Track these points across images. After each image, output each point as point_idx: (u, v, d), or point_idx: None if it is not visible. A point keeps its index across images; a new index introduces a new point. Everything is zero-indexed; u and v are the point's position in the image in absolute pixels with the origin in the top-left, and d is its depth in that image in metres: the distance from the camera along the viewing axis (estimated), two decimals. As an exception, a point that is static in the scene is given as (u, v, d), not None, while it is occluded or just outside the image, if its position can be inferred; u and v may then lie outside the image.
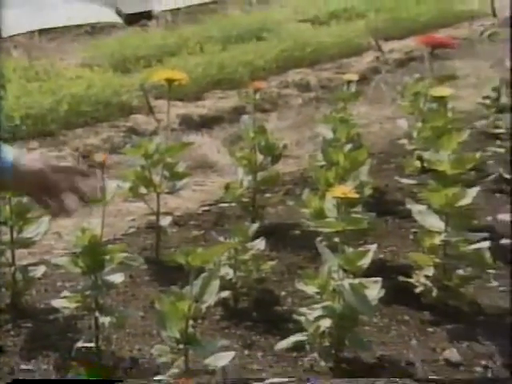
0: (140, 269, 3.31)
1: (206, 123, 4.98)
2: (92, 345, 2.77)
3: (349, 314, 2.75)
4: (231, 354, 2.52)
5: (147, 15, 6.80)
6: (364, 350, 2.82)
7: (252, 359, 2.83)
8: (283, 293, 3.21)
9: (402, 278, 3.17)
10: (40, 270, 3.11)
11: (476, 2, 7.31)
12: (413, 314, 3.09)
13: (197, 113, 5.03)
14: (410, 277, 3.19)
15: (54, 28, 6.32)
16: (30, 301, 3.14)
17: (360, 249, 2.83)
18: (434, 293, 3.14)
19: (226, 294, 3.02)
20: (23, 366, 2.77)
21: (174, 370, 2.44)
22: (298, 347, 2.80)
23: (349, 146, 3.52)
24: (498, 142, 4.17)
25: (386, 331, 3.00)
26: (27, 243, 3.07)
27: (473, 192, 3.14)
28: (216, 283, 2.46)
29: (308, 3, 7.09)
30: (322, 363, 2.78)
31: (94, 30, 6.45)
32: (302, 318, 2.79)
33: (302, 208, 3.40)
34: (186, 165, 3.54)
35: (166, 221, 3.46)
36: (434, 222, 3.12)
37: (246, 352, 2.86)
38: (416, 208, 3.19)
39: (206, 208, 3.92)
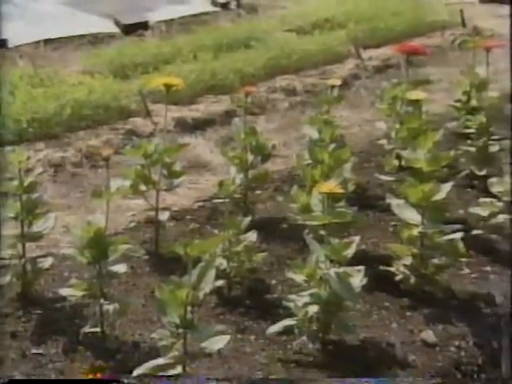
0: (140, 260, 3.30)
1: (199, 126, 4.94)
2: (97, 330, 2.79)
3: (334, 300, 2.77)
4: (226, 337, 2.53)
5: (143, 26, 6.71)
6: (349, 333, 2.84)
7: (245, 343, 2.84)
8: (273, 281, 3.21)
9: (382, 267, 3.18)
10: (48, 262, 3.11)
11: (446, 13, 7.30)
12: (392, 300, 3.10)
13: (191, 116, 5.00)
14: (390, 266, 3.20)
15: (58, 38, 6.24)
16: (39, 290, 3.13)
17: (344, 240, 2.84)
18: (412, 280, 3.15)
19: (220, 282, 3.02)
20: (34, 350, 2.77)
21: (174, 353, 2.45)
22: (288, 331, 2.81)
23: (333, 146, 3.50)
24: (469, 142, 4.16)
25: (368, 316, 3.01)
26: (36, 237, 3.07)
27: (447, 187, 3.15)
28: (212, 272, 2.46)
29: (293, 14, 7.05)
30: (310, 345, 2.79)
31: (95, 39, 6.36)
32: (291, 305, 2.80)
33: (290, 203, 3.40)
34: (181, 164, 3.54)
35: (164, 216, 3.44)
36: (412, 215, 3.13)
37: (240, 336, 2.86)
38: (395, 202, 3.20)
39: (201, 204, 3.89)
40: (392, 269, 3.19)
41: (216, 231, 3.22)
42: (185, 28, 6.65)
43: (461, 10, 7.18)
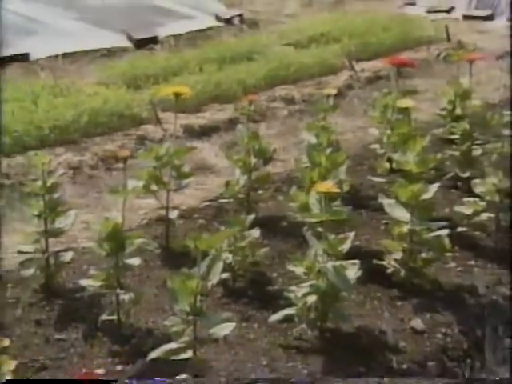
0: (153, 254, 3.32)
1: (205, 132, 4.95)
2: (114, 317, 2.80)
3: (331, 291, 2.77)
4: (232, 325, 2.55)
5: (154, 40, 6.73)
6: (344, 322, 2.84)
7: (249, 330, 2.85)
8: (275, 274, 3.22)
9: (375, 261, 3.18)
10: (68, 256, 3.13)
11: (432, 29, 7.31)
12: (384, 291, 3.11)
13: (198, 123, 5.00)
14: (382, 260, 3.20)
15: (75, 52, 6.25)
16: (60, 281, 3.15)
17: (340, 236, 2.85)
18: (402, 273, 3.16)
19: (225, 275, 3.01)
20: (56, 336, 2.79)
21: (185, 338, 2.47)
22: (289, 319, 2.81)
23: (329, 150, 3.50)
24: (454, 146, 4.17)
25: (362, 306, 3.01)
26: (58, 233, 3.08)
27: (434, 188, 3.16)
28: (219, 265, 2.47)
29: (291, 29, 7.04)
30: (309, 333, 2.80)
31: (109, 53, 6.36)
32: (292, 295, 2.81)
33: (289, 202, 3.40)
34: (189, 167, 3.54)
35: (173, 214, 3.46)
36: (402, 214, 3.14)
37: (244, 324, 2.87)
38: (386, 202, 3.20)
39: (207, 203, 3.89)
40: (384, 263, 3.19)
41: (222, 228, 3.23)
42: (191, 42, 6.64)
43: (446, 26, 7.19)
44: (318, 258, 2.77)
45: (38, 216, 3.04)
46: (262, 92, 5.51)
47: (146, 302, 2.91)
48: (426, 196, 3.11)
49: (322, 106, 3.90)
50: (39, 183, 3.03)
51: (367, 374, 2.61)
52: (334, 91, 3.96)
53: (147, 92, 5.20)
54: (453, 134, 4.28)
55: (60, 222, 3.07)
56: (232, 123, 4.87)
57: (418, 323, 2.90)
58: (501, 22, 7.67)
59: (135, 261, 2.84)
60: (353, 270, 2.80)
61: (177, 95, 3.28)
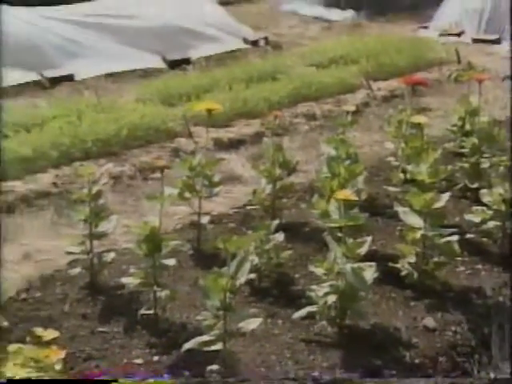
0: (186, 255, 3.36)
1: (233, 144, 4.98)
2: (151, 312, 2.85)
3: (350, 291, 2.80)
4: (259, 320, 2.59)
5: (186, 61, 6.76)
6: (361, 319, 2.86)
7: (274, 326, 2.87)
8: (297, 275, 3.24)
9: (390, 264, 3.19)
10: (110, 256, 3.19)
11: (444, 51, 7.29)
12: (398, 292, 3.12)
13: (226, 136, 5.04)
14: (397, 263, 3.21)
15: (116, 72, 6.32)
16: (103, 279, 3.20)
17: (358, 240, 2.89)
18: (415, 275, 3.17)
19: (252, 275, 3.02)
20: (100, 329, 2.84)
21: (215, 332, 2.52)
22: (310, 316, 2.84)
23: (347, 161, 3.54)
24: (464, 159, 4.18)
25: (378, 305, 3.02)
26: (101, 235, 3.15)
27: (445, 197, 3.18)
28: (248, 265, 2.52)
29: (313, 51, 7.05)
30: (329, 329, 2.82)
31: (145, 73, 6.40)
32: (313, 294, 2.84)
33: (311, 210, 3.43)
34: (219, 176, 3.57)
35: (205, 219, 3.51)
36: (415, 221, 3.15)
37: (269, 320, 2.89)
38: (401, 209, 3.22)
39: (236, 210, 3.91)
40: (398, 265, 3.20)
41: (249, 232, 3.26)
42: (221, 63, 6.67)
43: (456, 49, 7.18)
44: (337, 261, 2.79)
45: (84, 221, 3.11)
46: (286, 109, 5.51)
47: (180, 298, 2.95)
48: (438, 204, 3.13)
49: (341, 121, 3.92)
50: (85, 191, 3.10)
51: (382, 367, 2.63)
52: (352, 108, 3.99)
53: (180, 108, 5.24)
54: (462, 147, 4.29)
55: (103, 226, 3.13)
56: (258, 137, 4.89)
57: (429, 321, 2.91)
58: (507, 46, 7.65)
59: (170, 261, 2.89)
60: (369, 272, 2.82)
61: (209, 111, 3.34)
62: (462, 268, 3.33)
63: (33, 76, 6.02)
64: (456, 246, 3.16)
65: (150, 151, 4.72)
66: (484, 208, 3.53)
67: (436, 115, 5.40)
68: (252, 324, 2.54)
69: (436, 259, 3.17)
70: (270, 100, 5.53)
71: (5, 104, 5.51)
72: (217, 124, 5.09)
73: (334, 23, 8.66)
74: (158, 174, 4.26)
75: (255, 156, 4.49)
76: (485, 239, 3.54)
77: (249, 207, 3.79)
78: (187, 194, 3.43)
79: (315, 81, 6.00)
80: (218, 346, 2.48)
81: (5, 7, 6.70)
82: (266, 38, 7.54)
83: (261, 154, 3.89)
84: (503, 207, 3.45)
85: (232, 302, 2.49)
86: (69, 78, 6.12)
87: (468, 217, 3.58)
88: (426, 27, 8.49)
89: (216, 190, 3.48)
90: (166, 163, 3.06)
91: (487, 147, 4.10)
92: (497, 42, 7.98)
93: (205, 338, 2.48)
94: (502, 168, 3.65)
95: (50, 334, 2.54)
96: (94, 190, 3.09)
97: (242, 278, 2.48)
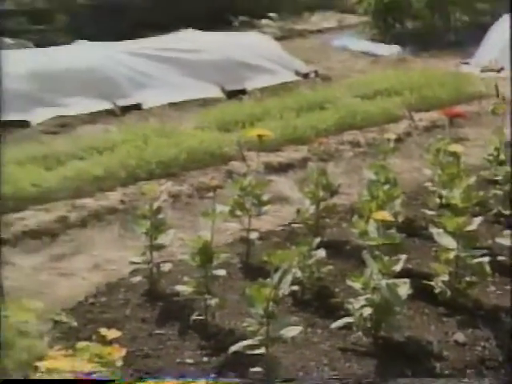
0: (235, 267, 3.43)
1: (282, 168, 5.01)
2: (202, 318, 2.93)
3: (385, 304, 2.82)
4: (299, 328, 2.64)
5: (242, 91, 6.85)
6: (396, 332, 2.87)
7: (313, 334, 2.91)
8: (337, 289, 3.26)
9: (424, 282, 3.20)
10: (168, 266, 3.28)
11: (483, 85, 7.21)
12: (432, 308, 3.12)
13: (276, 161, 5.08)
14: (431, 281, 3.21)
15: (178, 102, 6.41)
16: (161, 287, 3.28)
17: (393, 258, 2.92)
18: (448, 293, 3.17)
19: (295, 288, 3.06)
20: (157, 331, 2.93)
21: (259, 337, 2.57)
22: (347, 327, 2.87)
23: (386, 186, 3.57)
24: (497, 187, 4.15)
25: (411, 319, 3.03)
26: (160, 247, 3.24)
27: (477, 220, 3.17)
28: (289, 277, 2.56)
29: (359, 83, 7.06)
30: (364, 339, 2.85)
31: (205, 102, 6.49)
32: (350, 307, 2.87)
33: (351, 229, 3.46)
34: (268, 196, 3.64)
35: (253, 235, 3.58)
36: (449, 242, 3.16)
37: (309, 329, 2.94)
38: (435, 231, 3.23)
39: (282, 228, 3.96)
40: (432, 283, 3.20)
41: (293, 247, 3.30)
42: (274, 93, 6.71)
43: (495, 84, 7.10)
44: (374, 276, 2.82)
45: (145, 233, 3.22)
46: (332, 136, 5.53)
47: (228, 306, 3.02)
48: (470, 227, 3.13)
49: (383, 148, 3.95)
50: (147, 207, 3.22)
51: (413, 376, 2.64)
52: (393, 136, 4.00)
53: (235, 134, 5.31)
54: (496, 176, 4.26)
55: (162, 239, 3.23)
56: (305, 161, 4.91)
57: (460, 336, 2.91)
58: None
59: (221, 272, 2.97)
60: (404, 288, 2.84)
61: (260, 137, 3.44)
62: (492, 288, 3.30)
63: (106, 105, 6.20)
64: (487, 267, 3.14)
65: (207, 173, 4.79)
66: (515, 232, 3.50)
67: (473, 145, 5.34)
68: (292, 331, 2.59)
69: (468, 279, 3.16)
70: (317, 128, 5.55)
71: (82, 129, 5.74)
72: (268, 149, 5.14)
73: (381, 58, 8.66)
74: (213, 193, 4.40)
75: (302, 179, 4.50)
76: (515, 262, 3.49)
77: (294, 225, 3.82)
78: (238, 212, 3.51)
79: (360, 111, 6.00)
80: (261, 350, 2.53)
81: (84, 42, 6.99)
82: (316, 71, 7.58)
83: (307, 177, 3.92)
84: (533, 232, 3.42)
85: (274, 311, 2.53)
86: (137, 107, 6.29)
87: (500, 240, 3.54)
88: (467, 63, 8.42)
89: (264, 208, 3.55)
90: (219, 183, 3.14)
91: (520, 176, 4.06)
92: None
93: (249, 342, 2.54)
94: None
95: (112, 333, 2.64)
96: (155, 206, 3.20)
97: (284, 289, 2.54)
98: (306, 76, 7.44)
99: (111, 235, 3.97)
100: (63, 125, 5.77)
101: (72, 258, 3.72)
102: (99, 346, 2.45)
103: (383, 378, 2.62)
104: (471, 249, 3.15)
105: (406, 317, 3.01)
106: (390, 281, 2.82)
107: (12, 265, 3.53)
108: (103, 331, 2.60)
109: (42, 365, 2.43)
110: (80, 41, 7.09)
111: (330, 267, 3.29)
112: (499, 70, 8.08)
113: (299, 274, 3.18)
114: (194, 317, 2.93)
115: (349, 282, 2.93)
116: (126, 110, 6.19)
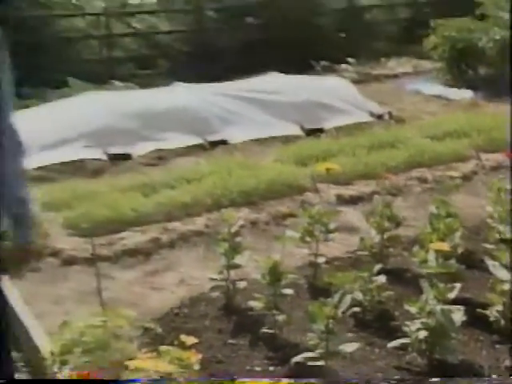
0: (302, 288, 3.50)
1: (352, 200, 5.05)
2: (271, 331, 3.02)
3: (439, 329, 2.82)
4: (356, 344, 2.70)
5: (320, 130, 6.92)
6: (449, 355, 2.86)
7: (371, 353, 2.95)
8: (396, 312, 3.28)
9: (480, 311, 3.17)
10: (242, 284, 3.38)
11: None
12: (486, 336, 3.09)
13: (347, 193, 5.13)
14: (486, 310, 3.19)
15: (261, 138, 6.53)
16: (236, 302, 3.39)
17: (448, 285, 2.93)
18: (502, 322, 3.13)
19: (357, 309, 3.09)
20: (230, 341, 3.05)
21: (320, 350, 2.66)
22: (403, 348, 2.89)
23: (448, 219, 3.59)
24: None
25: (465, 345, 3.01)
26: (236, 267, 3.36)
27: (531, 254, 3.15)
28: (348, 298, 2.64)
29: (429, 125, 7.01)
30: (419, 360, 2.86)
31: (285, 139, 6.55)
32: (407, 329, 2.89)
33: (412, 258, 3.48)
34: (336, 225, 3.71)
35: (321, 260, 3.66)
36: (503, 274, 3.13)
37: (368, 348, 2.98)
38: (491, 263, 3.21)
39: (348, 255, 3.99)
40: (487, 312, 3.18)
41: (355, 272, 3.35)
42: (348, 132, 6.75)
43: None
44: (429, 302, 2.85)
45: (224, 254, 3.35)
46: (401, 173, 5.51)
47: (294, 322, 3.10)
48: (525, 261, 3.11)
49: (447, 185, 3.95)
50: (226, 230, 3.38)
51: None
52: (456, 174, 4.02)
53: (310, 168, 5.38)
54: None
55: (238, 260, 3.36)
56: (374, 195, 4.88)
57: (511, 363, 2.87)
58: None
59: (288, 291, 3.08)
60: (458, 314, 2.85)
61: (328, 170, 3.56)
62: (546, 318, 3.21)
63: (197, 140, 6.44)
64: (541, 299, 3.09)
65: (283, 203, 4.89)
66: None
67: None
68: (350, 347, 2.66)
69: (522, 309, 3.11)
70: (387, 164, 5.56)
71: (175, 161, 6.01)
72: (340, 183, 5.21)
73: (453, 101, 8.56)
74: (288, 221, 4.52)
75: (369, 211, 4.54)
76: None
77: (360, 253, 3.86)
78: (307, 238, 3.61)
79: (429, 150, 5.96)
80: (321, 363, 2.61)
81: (181, 84, 7.36)
82: (390, 113, 7.58)
83: (374, 209, 3.97)
84: None
85: (334, 328, 2.62)
86: (224, 142, 6.48)
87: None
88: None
89: (331, 235, 3.64)
90: (293, 212, 3.27)
91: None
92: None
93: (310, 354, 2.63)
94: None
95: (191, 340, 2.79)
96: (233, 230, 3.35)
97: (342, 308, 2.62)
98: (379, 117, 7.44)
99: (196, 255, 4.15)
100: (160, 157, 6.05)
101: (162, 274, 3.93)
102: (180, 351, 2.58)
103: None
104: (525, 281, 3.10)
105: (461, 342, 3.00)
106: (445, 307, 2.83)
107: (112, 278, 3.76)
108: (184, 338, 2.75)
109: (131, 364, 2.62)
110: (178, 83, 7.45)
111: (390, 292, 3.31)
112: None
113: (361, 296, 3.22)
114: (263, 330, 3.04)
115: (406, 306, 2.96)
116: (214, 144, 6.40)
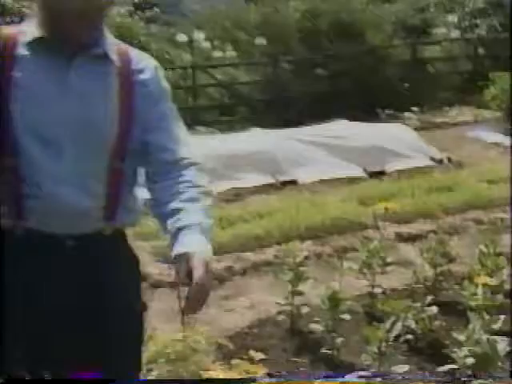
0: (359, 314, 3.58)
1: (410, 238, 5.06)
2: (329, 352, 3.13)
3: (485, 356, 2.83)
4: (407, 366, 2.78)
5: (382, 173, 6.99)
6: (495, 381, 2.85)
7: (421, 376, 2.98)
8: (446, 341, 3.28)
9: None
10: (305, 309, 3.47)
11: None
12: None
13: (406, 231, 5.15)
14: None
15: (328, 179, 6.66)
16: (299, 325, 3.47)
17: (493, 317, 2.97)
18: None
19: (409, 336, 3.14)
20: (293, 358, 3.15)
21: (373, 369, 2.75)
22: (452, 372, 2.91)
23: (496, 257, 3.60)
24: None
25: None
26: (300, 293, 3.48)
27: None
28: (400, 324, 2.73)
29: (486, 170, 6.85)
30: (467, 384, 2.90)
31: (350, 180, 6.67)
32: (455, 355, 2.91)
33: (462, 291, 3.47)
34: (393, 259, 3.80)
35: (378, 290, 3.74)
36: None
37: (417, 371, 3.01)
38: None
39: (403, 287, 4.00)
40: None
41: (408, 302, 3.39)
42: (409, 175, 6.77)
43: None
44: (476, 331, 2.88)
45: (290, 282, 3.48)
46: (458, 214, 5.51)
47: (351, 344, 3.20)
48: None
49: (499, 226, 3.97)
50: (292, 261, 3.54)
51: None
52: (504, 215, 4.01)
53: (372, 207, 5.39)
54: None
55: (302, 287, 3.48)
56: (431, 233, 4.88)
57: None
58: None
59: (346, 316, 3.18)
60: (502, 344, 2.87)
61: (386, 209, 3.68)
62: None
63: (270, 180, 6.67)
64: None
65: (345, 238, 4.98)
66: None
67: None
68: (401, 369, 2.74)
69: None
70: (444, 206, 5.57)
71: (249, 198, 6.18)
72: (400, 221, 5.25)
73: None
74: (350, 254, 4.62)
75: (425, 247, 4.57)
76: None
77: (414, 285, 3.87)
78: (365, 270, 3.72)
79: (485, 193, 5.93)
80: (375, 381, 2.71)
81: (257, 129, 7.67)
82: (449, 158, 7.55)
83: (429, 246, 4.02)
84: None
85: (387, 351, 2.71)
86: (294, 182, 6.67)
87: None
88: None
89: (388, 268, 3.73)
90: (353, 246, 3.40)
91: None
92: None
93: (363, 373, 2.73)
94: None
95: (259, 356, 2.98)
96: (297, 260, 3.50)
97: (394, 333, 2.72)
98: (439, 162, 7.44)
99: (265, 282, 4.31)
100: (237, 194, 6.29)
101: (234, 298, 4.10)
102: (248, 364, 2.81)
103: None
104: None
105: (505, 370, 2.96)
106: (491, 337, 2.87)
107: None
108: (252, 353, 2.96)
109: (206, 374, 2.82)
110: (255, 128, 7.77)
111: (442, 322, 3.36)
112: None
113: (414, 325, 3.28)
114: (323, 350, 3.16)
115: (455, 335, 3.00)
116: (285, 184, 6.59)
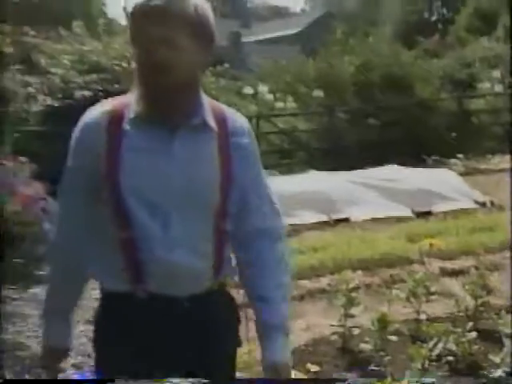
0: (405, 336, 3.65)
1: (454, 272, 5.10)
2: (377, 368, 3.25)
3: None
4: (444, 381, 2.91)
5: (429, 213, 7.05)
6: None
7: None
8: (484, 364, 3.33)
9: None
10: (356, 331, 3.58)
11: None
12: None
13: (449, 267, 5.21)
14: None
15: (378, 218, 6.78)
16: (350, 345, 3.59)
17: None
18: None
19: (451, 358, 3.24)
20: (343, 373, 3.29)
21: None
22: None
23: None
24: None
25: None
26: (352, 317, 3.58)
27: None
28: (440, 345, 2.89)
29: None
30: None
31: (399, 219, 6.74)
32: (490, 375, 3.01)
33: (499, 320, 3.57)
34: (437, 290, 3.90)
35: (423, 316, 3.81)
36: None
37: None
38: None
39: (447, 315, 4.03)
40: None
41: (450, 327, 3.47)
42: (454, 216, 6.81)
43: None
44: (508, 353, 3.00)
45: (342, 306, 3.63)
46: (498, 252, 5.51)
47: (397, 362, 3.31)
48: None
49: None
50: (344, 287, 3.73)
51: None
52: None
53: (418, 244, 5.46)
54: None
55: (353, 310, 3.63)
56: (474, 269, 4.97)
57: None
58: None
59: (393, 337, 3.33)
60: (534, 367, 2.96)
61: (431, 245, 3.83)
62: None
63: (325, 217, 6.86)
64: None
65: (393, 271, 5.08)
66: None
67: None
68: (438, 382, 2.86)
69: None
70: (486, 244, 5.60)
71: (306, 233, 6.34)
72: (444, 258, 5.30)
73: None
74: (397, 285, 4.72)
75: (468, 281, 4.63)
76: None
77: (457, 314, 3.95)
78: (412, 299, 3.85)
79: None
80: (416, 394, 2.84)
81: (315, 172, 7.91)
82: (492, 201, 7.54)
83: (471, 279, 4.11)
84: None
85: (429, 368, 2.85)
86: (347, 220, 6.84)
87: None
88: None
89: (432, 297, 3.85)
90: (401, 278, 3.54)
91: None
92: None
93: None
94: None
95: (314, 368, 3.17)
96: (349, 287, 3.68)
97: (435, 352, 2.87)
98: (483, 204, 7.45)
99: (319, 308, 4.47)
100: (294, 230, 6.45)
101: (292, 321, 4.29)
102: (304, 375, 3.01)
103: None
104: None
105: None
106: (524, 360, 2.96)
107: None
108: (309, 366, 3.16)
109: None
110: (312, 171, 8.04)
111: (479, 346, 3.43)
112: None
113: (454, 348, 3.36)
114: (371, 367, 3.29)
115: (490, 357, 3.12)
116: (338, 221, 6.76)
